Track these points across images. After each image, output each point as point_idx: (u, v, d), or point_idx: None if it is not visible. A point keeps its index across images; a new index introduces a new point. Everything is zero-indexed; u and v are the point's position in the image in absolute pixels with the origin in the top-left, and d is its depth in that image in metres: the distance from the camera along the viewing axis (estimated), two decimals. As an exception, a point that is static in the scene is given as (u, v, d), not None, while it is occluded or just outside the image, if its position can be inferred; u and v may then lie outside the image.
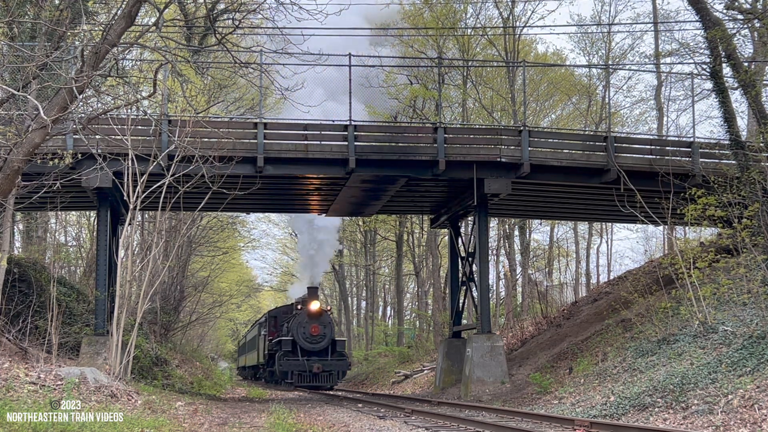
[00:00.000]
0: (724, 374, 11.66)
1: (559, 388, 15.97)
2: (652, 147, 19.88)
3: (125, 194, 15.77)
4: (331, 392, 27.73)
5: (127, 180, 15.66)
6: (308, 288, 30.85)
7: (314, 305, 29.28)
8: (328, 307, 34.40)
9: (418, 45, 29.85)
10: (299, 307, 30.19)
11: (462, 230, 25.76)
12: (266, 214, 48.94)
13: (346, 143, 18.19)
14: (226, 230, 38.45)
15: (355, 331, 51.75)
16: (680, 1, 45.25)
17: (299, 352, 28.79)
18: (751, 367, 11.49)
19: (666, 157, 18.96)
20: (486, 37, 29.76)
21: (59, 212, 28.07)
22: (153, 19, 16.30)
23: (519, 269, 35.04)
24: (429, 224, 26.50)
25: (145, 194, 15.75)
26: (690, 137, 21.18)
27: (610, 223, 37.23)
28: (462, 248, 22.74)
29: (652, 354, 14.55)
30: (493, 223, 35.12)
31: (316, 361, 28.48)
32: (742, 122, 23.90)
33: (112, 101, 14.75)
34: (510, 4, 29.85)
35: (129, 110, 16.60)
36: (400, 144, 18.78)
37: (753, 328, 12.82)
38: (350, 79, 18.47)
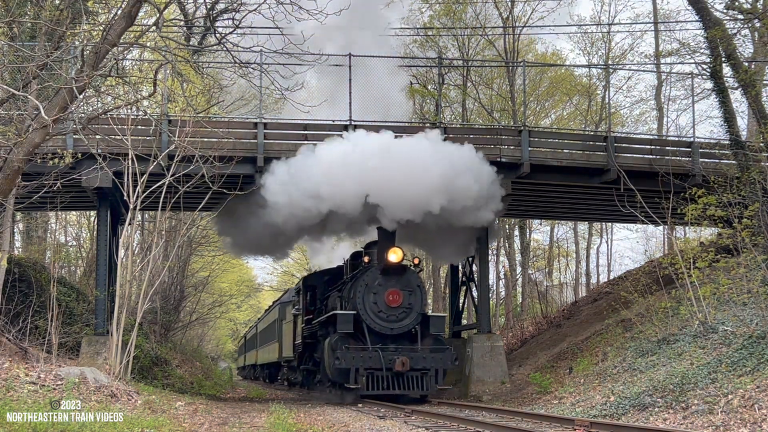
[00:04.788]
0: (724, 374, 11.66)
1: (559, 388, 15.97)
2: (652, 147, 19.89)
3: (125, 194, 15.77)
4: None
5: (127, 180, 15.66)
6: (379, 230, 18.10)
7: (393, 255, 17.43)
8: (416, 260, 19.40)
9: (417, 45, 29.89)
10: (366, 260, 18.51)
11: (462, 230, 25.72)
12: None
13: (347, 143, 18.18)
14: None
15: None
16: (680, 1, 45.27)
17: (367, 336, 17.46)
18: (751, 367, 11.49)
19: (666, 157, 18.97)
20: (485, 37, 29.77)
21: (59, 212, 28.07)
22: (153, 19, 16.29)
23: (519, 269, 35.04)
24: (429, 224, 26.42)
25: (145, 194, 15.76)
26: (690, 137, 21.18)
27: (610, 223, 37.24)
28: (462, 248, 22.69)
29: (652, 354, 14.55)
30: (493, 223, 35.07)
31: (399, 352, 17.12)
32: (742, 122, 23.91)
33: (112, 101, 14.77)
34: (510, 4, 29.87)
35: (129, 110, 16.61)
36: (400, 144, 18.74)
37: (753, 328, 12.82)
38: (350, 79, 18.46)
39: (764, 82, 22.67)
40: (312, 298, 22.90)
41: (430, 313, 18.47)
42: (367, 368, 16.91)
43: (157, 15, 11.88)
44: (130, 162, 15.60)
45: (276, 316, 30.66)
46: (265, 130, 18.13)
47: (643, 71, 35.62)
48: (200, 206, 17.98)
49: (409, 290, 17.84)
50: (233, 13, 12.75)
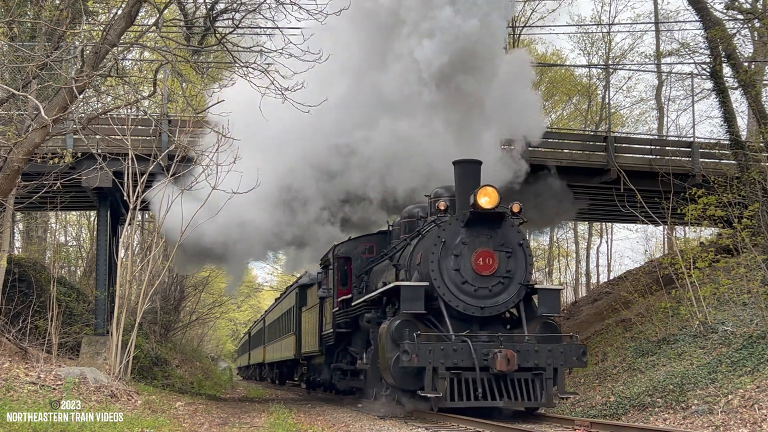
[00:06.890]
0: (724, 374, 11.67)
1: (559, 388, 15.97)
2: (652, 147, 19.89)
3: (125, 194, 15.77)
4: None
5: (127, 180, 15.66)
6: (455, 163, 12.50)
7: (484, 198, 11.67)
8: (515, 206, 12.42)
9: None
10: (441, 207, 12.44)
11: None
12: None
13: (347, 143, 18.04)
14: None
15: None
16: (680, 1, 45.30)
17: (447, 318, 11.77)
18: (751, 367, 11.49)
19: (666, 157, 18.97)
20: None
21: (59, 212, 28.08)
22: (153, 19, 16.30)
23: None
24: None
25: (145, 194, 15.75)
26: (690, 137, 21.21)
27: (610, 223, 37.24)
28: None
29: (652, 354, 14.55)
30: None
31: (498, 343, 11.31)
32: (742, 122, 23.95)
33: (112, 101, 14.77)
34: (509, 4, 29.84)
35: (129, 110, 16.62)
36: (400, 144, 18.58)
37: (753, 328, 12.82)
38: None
39: (764, 82, 22.71)
40: (346, 274, 16.49)
41: (538, 285, 12.73)
42: (451, 367, 11.19)
43: (157, 15, 11.89)
44: (130, 162, 15.59)
45: (292, 303, 24.32)
46: (265, 130, 18.07)
47: (643, 71, 35.67)
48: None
49: (507, 251, 12.05)
50: (233, 13, 12.76)
